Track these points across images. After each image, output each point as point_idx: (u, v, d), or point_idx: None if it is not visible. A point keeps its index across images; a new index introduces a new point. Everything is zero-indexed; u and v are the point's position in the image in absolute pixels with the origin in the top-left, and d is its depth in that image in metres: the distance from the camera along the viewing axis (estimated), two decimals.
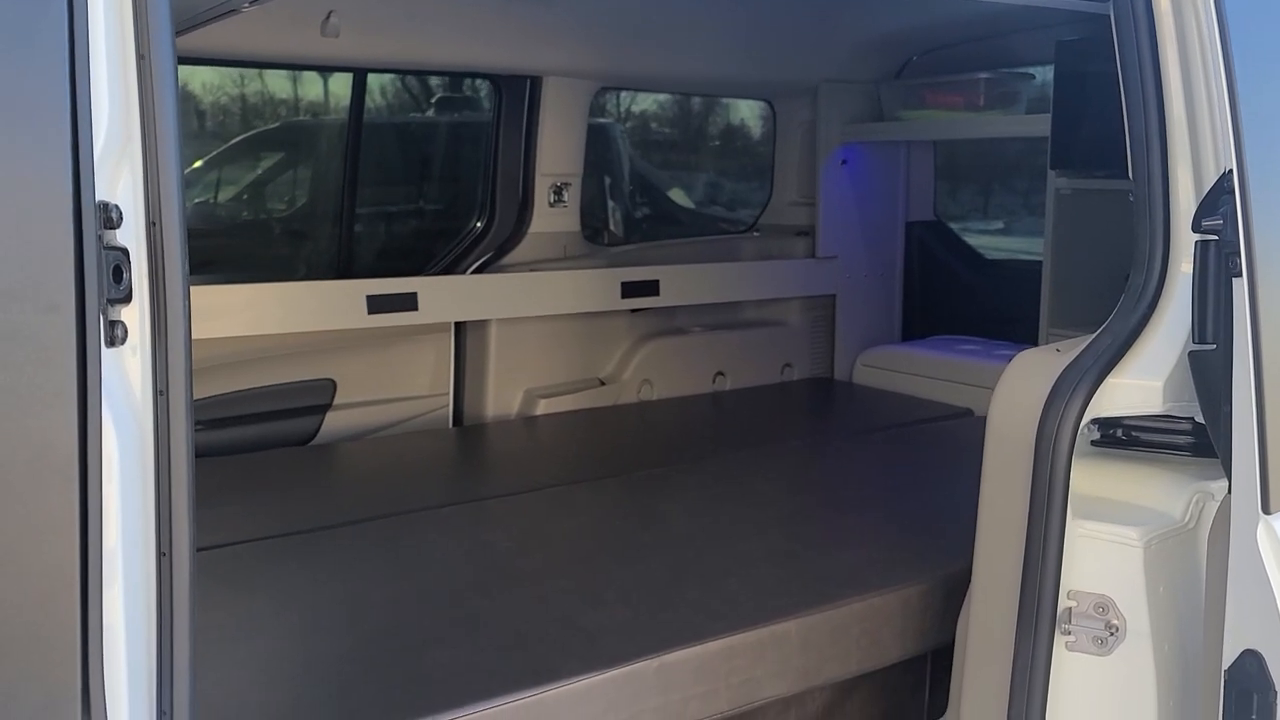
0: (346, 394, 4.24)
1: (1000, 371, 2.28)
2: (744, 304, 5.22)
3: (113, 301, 1.43)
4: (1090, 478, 2.16)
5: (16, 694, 1.41)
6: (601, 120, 5.38)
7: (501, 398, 4.51)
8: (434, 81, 5.01)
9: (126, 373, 1.46)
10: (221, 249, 4.63)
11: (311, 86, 4.79)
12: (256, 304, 3.92)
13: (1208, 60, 1.99)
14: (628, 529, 3.20)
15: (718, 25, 4.43)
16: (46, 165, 1.37)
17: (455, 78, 4.94)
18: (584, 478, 3.68)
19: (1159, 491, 2.14)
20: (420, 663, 2.35)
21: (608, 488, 3.61)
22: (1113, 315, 2.14)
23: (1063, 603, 2.10)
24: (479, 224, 4.71)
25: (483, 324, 4.48)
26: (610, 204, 5.46)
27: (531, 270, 4.56)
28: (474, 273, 4.57)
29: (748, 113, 5.88)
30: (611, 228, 5.44)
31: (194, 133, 4.67)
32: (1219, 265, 1.91)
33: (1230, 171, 1.92)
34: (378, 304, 4.13)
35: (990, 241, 5.76)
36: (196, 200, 4.69)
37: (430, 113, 5.14)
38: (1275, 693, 1.88)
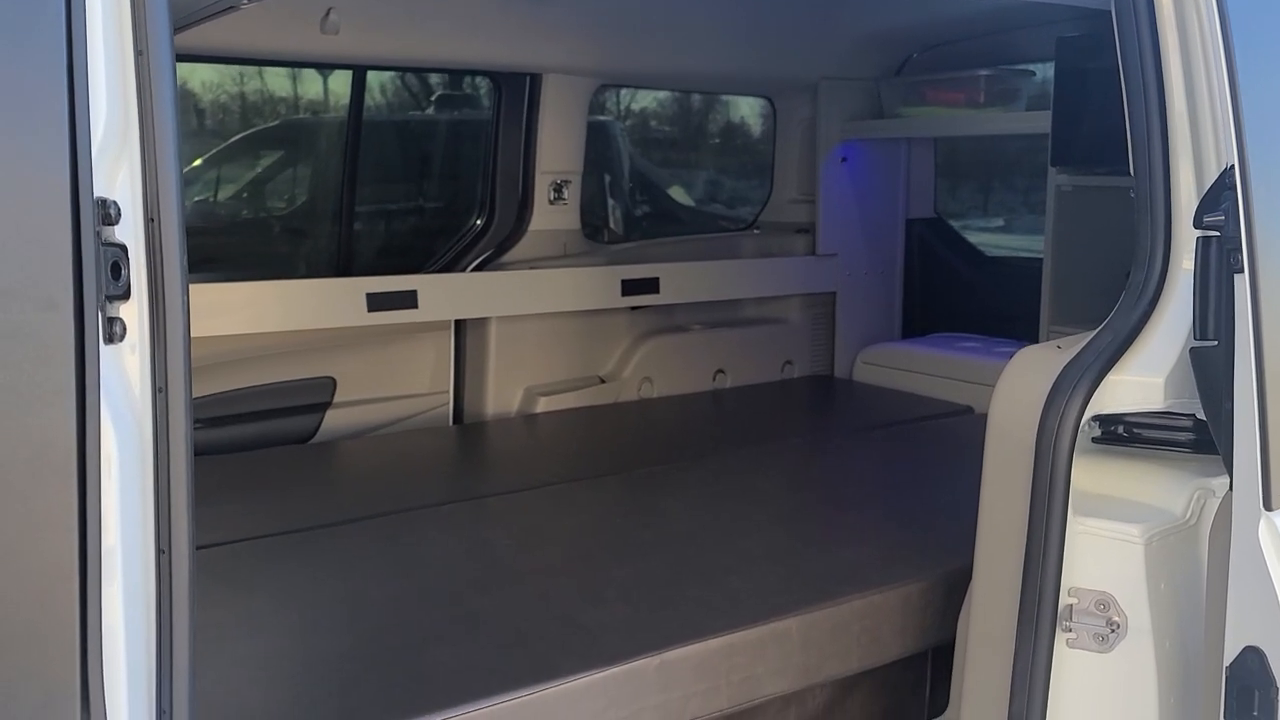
0: (346, 392, 4.24)
1: (1001, 369, 2.27)
2: (744, 301, 5.22)
3: (111, 298, 1.43)
4: (1091, 475, 2.15)
5: (16, 692, 1.41)
6: (601, 118, 5.38)
7: (502, 395, 4.51)
8: (433, 79, 5.00)
9: (125, 370, 1.45)
10: (221, 247, 4.62)
11: (311, 84, 4.79)
12: (256, 302, 3.92)
13: (1209, 55, 1.99)
14: (628, 526, 3.20)
15: (718, 22, 4.42)
16: (44, 161, 1.36)
17: (455, 75, 4.93)
18: (584, 475, 3.67)
19: (1160, 488, 2.14)
20: (420, 661, 2.34)
21: (608, 485, 3.61)
22: (1114, 312, 2.14)
23: (1064, 600, 2.10)
24: (479, 222, 4.70)
25: (483, 322, 4.48)
26: (610, 201, 5.46)
27: (531, 268, 4.56)
28: (474, 270, 4.57)
29: (747, 110, 5.88)
30: (611, 225, 5.43)
31: (194, 131, 4.67)
32: (1220, 261, 1.91)
33: (1232, 167, 1.92)
34: (377, 302, 4.13)
35: (991, 239, 5.76)
36: (196, 198, 4.68)
37: (430, 110, 5.13)
38: (1277, 689, 1.87)
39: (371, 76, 4.53)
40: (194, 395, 1.51)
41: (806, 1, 4.37)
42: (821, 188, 5.24)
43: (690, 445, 4.10)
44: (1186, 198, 2.06)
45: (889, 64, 5.19)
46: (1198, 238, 1.95)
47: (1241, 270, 1.87)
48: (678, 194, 6.06)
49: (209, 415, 3.90)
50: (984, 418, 2.27)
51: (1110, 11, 2.12)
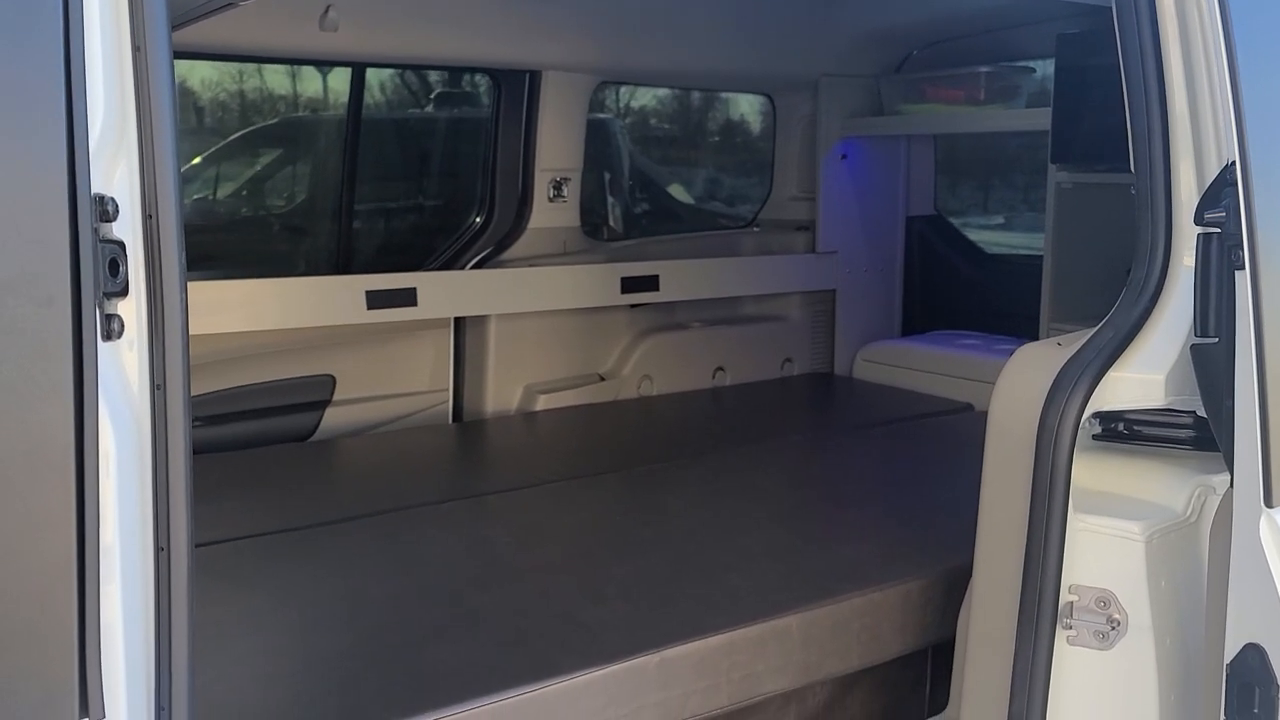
0: (346, 390, 4.24)
1: (1001, 366, 2.27)
2: (744, 299, 5.22)
3: (109, 295, 1.42)
4: (1092, 472, 2.15)
5: (14, 690, 1.40)
6: (601, 116, 5.37)
7: (501, 393, 4.51)
8: (433, 76, 5.00)
9: (123, 367, 1.45)
10: (221, 245, 4.62)
11: (310, 82, 4.78)
12: (256, 299, 3.92)
13: (1210, 52, 1.98)
14: (628, 524, 3.20)
15: (718, 19, 4.42)
16: (42, 157, 1.36)
17: (454, 72, 4.93)
18: (584, 473, 3.67)
19: (1161, 485, 2.13)
20: (420, 658, 2.34)
21: (608, 483, 3.61)
22: (1114, 309, 2.14)
23: (1064, 597, 2.10)
24: (478, 219, 4.70)
25: (482, 319, 4.47)
26: (610, 199, 5.45)
27: (531, 265, 4.55)
28: (473, 268, 4.56)
29: (747, 108, 5.87)
30: (611, 223, 5.43)
31: (193, 129, 4.66)
32: (1221, 258, 1.91)
33: (1233, 164, 1.92)
34: (377, 299, 4.13)
35: (991, 236, 5.76)
36: (196, 196, 4.68)
37: (429, 108, 5.13)
38: (1277, 686, 1.87)
39: (371, 74, 4.53)
40: (193, 393, 1.51)
41: None
42: (821, 185, 5.24)
43: (690, 443, 4.10)
44: (1187, 194, 2.05)
45: (889, 61, 5.18)
46: (1199, 234, 1.94)
47: (1242, 267, 1.87)
48: (677, 191, 6.05)
49: (208, 413, 3.90)
50: (984, 415, 2.26)
51: (1111, 8, 2.11)
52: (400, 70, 4.83)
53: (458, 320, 4.49)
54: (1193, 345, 2.03)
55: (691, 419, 4.56)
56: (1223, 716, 1.93)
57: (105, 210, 1.41)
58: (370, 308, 4.12)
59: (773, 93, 5.33)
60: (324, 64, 4.52)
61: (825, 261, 5.29)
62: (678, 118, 6.11)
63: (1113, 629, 2.08)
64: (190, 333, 1.49)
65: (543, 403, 4.53)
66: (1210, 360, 1.97)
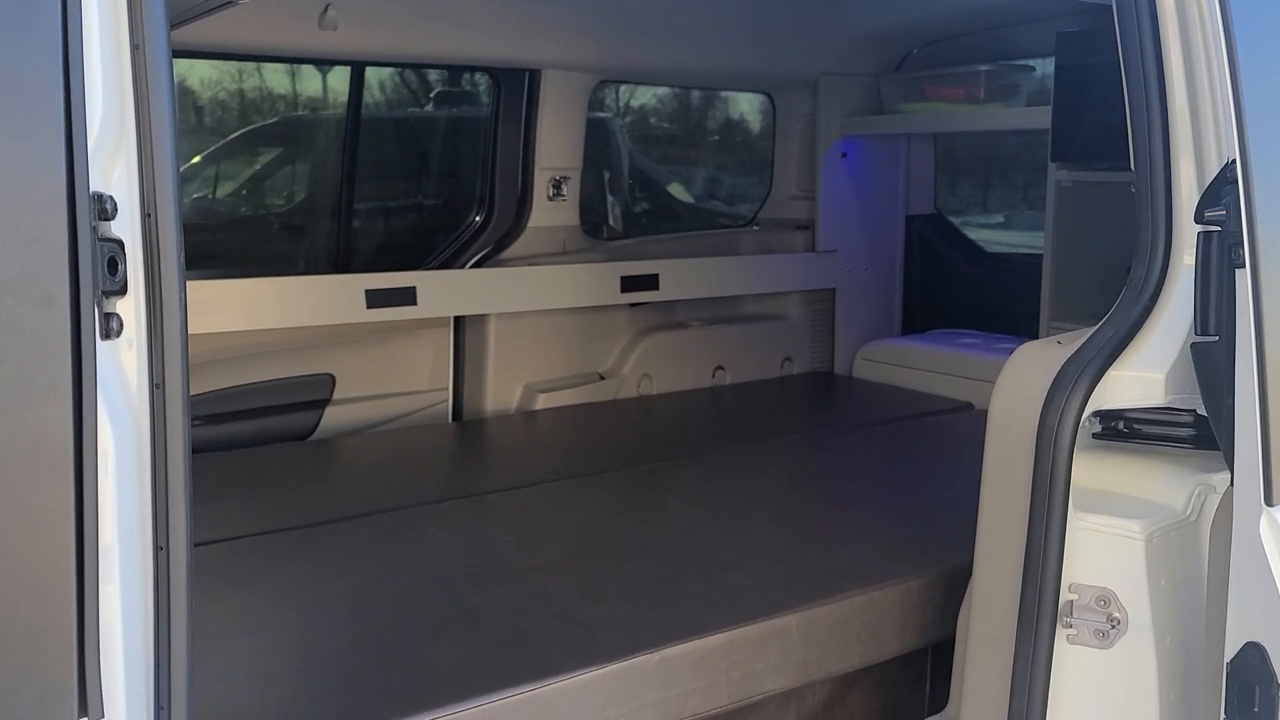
0: (345, 389, 4.23)
1: (1001, 365, 2.27)
2: (743, 298, 5.22)
3: (108, 294, 1.42)
4: (1092, 470, 2.15)
5: (13, 689, 1.40)
6: (600, 114, 5.37)
7: (501, 392, 4.50)
8: (432, 75, 4.99)
9: (122, 366, 1.45)
10: (220, 244, 4.62)
11: (309, 81, 4.78)
12: (255, 299, 3.92)
13: (1210, 50, 1.98)
14: (627, 523, 3.19)
15: (717, 18, 4.42)
16: (40, 156, 1.36)
17: (454, 71, 4.92)
18: (583, 472, 3.67)
19: (1161, 484, 2.13)
20: (420, 658, 2.34)
21: (607, 482, 3.61)
22: (1114, 307, 2.14)
23: (1064, 596, 2.09)
24: (478, 218, 4.70)
25: (482, 318, 4.47)
26: (609, 198, 5.45)
27: (530, 265, 4.55)
28: (473, 267, 4.56)
29: (747, 106, 5.87)
30: (611, 222, 5.43)
31: (192, 128, 4.66)
32: (1222, 256, 1.90)
33: (1233, 162, 1.91)
34: (376, 298, 4.12)
35: (991, 235, 5.76)
36: (195, 195, 4.68)
37: (429, 107, 5.13)
38: (1278, 685, 1.87)
39: (370, 73, 4.53)
40: (192, 392, 1.51)
41: None
42: (821, 184, 5.24)
43: (690, 442, 4.10)
44: (1187, 193, 2.05)
45: (889, 60, 5.18)
46: (1199, 233, 1.94)
47: (1243, 265, 1.87)
48: (677, 190, 6.05)
49: (207, 412, 3.90)
50: (984, 414, 2.26)
51: (1111, 6, 2.11)
52: (400, 69, 4.83)
53: (457, 319, 4.49)
54: (1193, 344, 2.03)
55: (691, 418, 4.56)
56: (1223, 715, 1.93)
57: (104, 209, 1.41)
58: (370, 307, 4.12)
59: (772, 91, 5.33)
60: (323, 63, 4.52)
61: (825, 260, 5.29)
62: (677, 116, 6.11)
63: (1113, 628, 2.08)
64: (189, 332, 1.49)
65: (542, 402, 4.53)
66: (1210, 359, 1.97)
